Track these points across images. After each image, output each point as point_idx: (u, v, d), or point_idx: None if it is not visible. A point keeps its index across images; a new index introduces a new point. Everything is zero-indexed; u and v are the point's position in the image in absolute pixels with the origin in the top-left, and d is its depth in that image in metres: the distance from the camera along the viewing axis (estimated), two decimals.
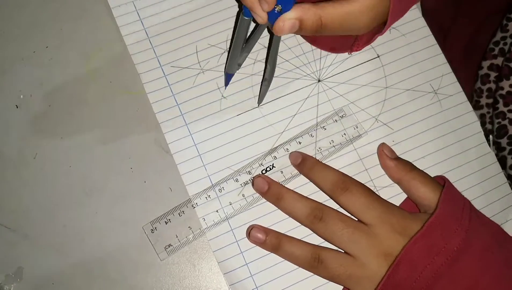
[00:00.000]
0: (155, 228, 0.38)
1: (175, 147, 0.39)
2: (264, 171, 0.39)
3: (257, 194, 0.38)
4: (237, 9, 0.42)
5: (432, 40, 0.42)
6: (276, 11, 0.32)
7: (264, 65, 0.41)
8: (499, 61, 0.43)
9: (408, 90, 0.41)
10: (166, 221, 0.38)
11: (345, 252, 0.35)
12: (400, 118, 0.40)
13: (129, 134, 0.40)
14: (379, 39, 0.41)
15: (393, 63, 0.42)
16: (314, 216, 0.36)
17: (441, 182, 0.37)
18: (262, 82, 0.40)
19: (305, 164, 0.38)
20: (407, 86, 0.41)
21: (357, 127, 0.40)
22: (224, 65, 0.41)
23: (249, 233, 0.37)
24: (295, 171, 0.39)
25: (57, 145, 0.40)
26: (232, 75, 0.40)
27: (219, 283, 0.38)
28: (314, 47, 0.42)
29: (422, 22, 0.43)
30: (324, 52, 0.42)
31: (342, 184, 0.36)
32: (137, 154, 0.40)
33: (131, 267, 0.38)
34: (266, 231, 0.37)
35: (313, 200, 0.37)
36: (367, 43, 0.40)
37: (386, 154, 0.38)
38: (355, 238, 0.34)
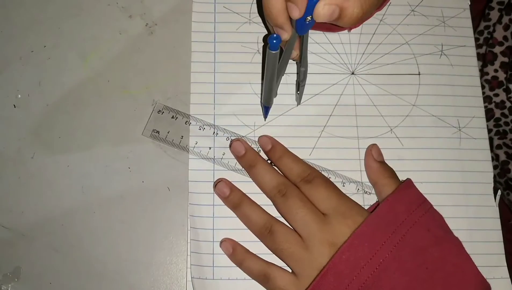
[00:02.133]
0: (162, 112, 0.40)
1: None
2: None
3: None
4: None
5: (477, 81, 0.42)
6: (306, 22, 0.31)
7: (296, 66, 0.41)
8: (484, 50, 0.44)
9: (433, 116, 0.41)
10: (174, 116, 0.40)
11: (297, 233, 0.36)
12: (414, 138, 0.40)
13: (127, 134, 0.40)
14: (427, 58, 0.42)
15: (430, 86, 0.41)
16: (278, 190, 0.36)
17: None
18: (297, 84, 0.40)
19: (275, 151, 0.39)
20: (435, 112, 0.41)
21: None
22: (260, 98, 0.41)
23: (215, 185, 0.38)
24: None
25: (55, 145, 0.40)
26: (270, 107, 0.40)
27: (217, 285, 0.38)
28: (346, 41, 0.43)
29: (472, 51, 0.42)
30: (361, 48, 0.42)
31: (306, 176, 0.37)
32: (135, 154, 0.40)
33: (129, 267, 0.38)
34: (232, 187, 0.38)
35: (283, 176, 0.38)
36: (368, 18, 0.40)
37: (372, 155, 0.39)
38: (307, 220, 0.35)
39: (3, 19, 0.42)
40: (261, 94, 0.40)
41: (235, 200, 0.38)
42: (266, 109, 0.40)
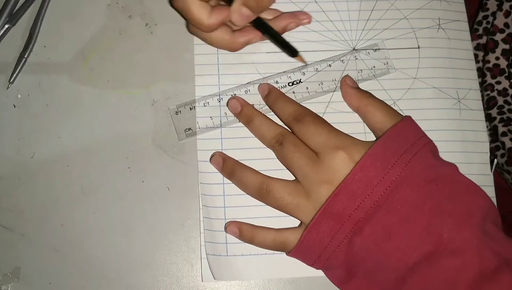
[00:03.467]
0: (180, 111, 0.40)
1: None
2: (290, 84, 0.41)
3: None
4: None
5: (471, 55, 0.43)
6: None
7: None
8: (484, 40, 0.44)
9: (434, 88, 0.41)
10: (191, 107, 0.41)
11: (296, 180, 0.36)
12: (417, 109, 0.41)
13: (126, 134, 0.40)
14: (425, 32, 0.43)
15: (430, 59, 0.42)
16: (276, 140, 0.37)
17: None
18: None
19: (270, 95, 0.39)
20: (435, 84, 0.41)
21: (387, 63, 0.41)
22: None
23: (210, 158, 0.39)
24: (320, 89, 0.41)
25: (54, 145, 0.40)
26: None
27: (217, 283, 0.38)
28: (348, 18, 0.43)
29: (465, 26, 0.43)
30: (361, 24, 0.43)
31: (297, 116, 0.37)
32: (134, 154, 0.40)
33: (129, 267, 0.38)
34: (224, 158, 0.39)
35: (280, 126, 0.38)
36: None
37: (348, 84, 0.39)
38: (301, 164, 0.35)
39: None
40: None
41: (228, 169, 0.38)
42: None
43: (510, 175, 0.42)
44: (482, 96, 0.44)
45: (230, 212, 0.38)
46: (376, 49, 0.42)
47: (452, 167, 0.36)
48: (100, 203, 0.39)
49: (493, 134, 0.43)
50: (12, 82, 0.40)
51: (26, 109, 0.40)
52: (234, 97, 0.40)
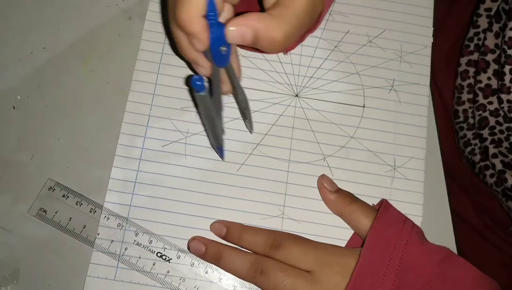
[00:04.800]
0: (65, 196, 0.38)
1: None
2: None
3: None
4: None
5: (424, 122, 0.40)
6: (222, 53, 0.29)
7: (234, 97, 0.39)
8: (475, 56, 0.44)
9: (370, 151, 0.40)
10: (65, 196, 0.38)
11: None
12: (346, 170, 0.39)
13: None
14: (375, 92, 0.41)
15: (372, 121, 0.40)
16: (254, 271, 0.35)
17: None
18: (242, 112, 0.39)
19: (232, 232, 0.37)
20: (372, 147, 0.40)
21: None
22: (209, 140, 0.39)
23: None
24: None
25: (54, 146, 0.40)
26: (223, 146, 0.38)
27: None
28: (291, 62, 0.41)
29: (425, 90, 0.41)
30: (310, 71, 0.41)
31: (274, 243, 0.35)
32: None
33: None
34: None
35: (252, 254, 0.36)
36: (300, 41, 0.39)
37: (326, 187, 0.38)
38: (297, 287, 0.34)
39: (3, 20, 0.42)
40: (208, 137, 0.39)
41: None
42: (219, 149, 0.38)
43: (499, 195, 0.42)
44: (474, 115, 0.43)
45: None
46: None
47: (443, 255, 0.34)
48: (99, 204, 0.39)
49: (483, 153, 0.43)
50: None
51: (26, 111, 0.40)
52: (194, 237, 0.37)
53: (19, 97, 0.41)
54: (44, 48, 0.42)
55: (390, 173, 0.39)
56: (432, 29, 0.43)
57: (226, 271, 0.36)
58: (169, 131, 0.39)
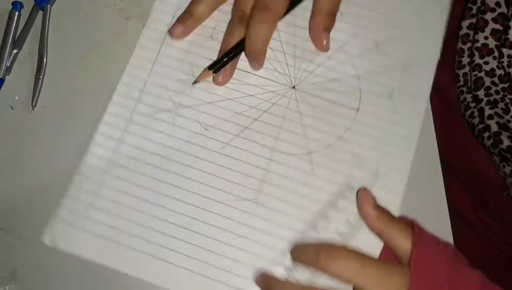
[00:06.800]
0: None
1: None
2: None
3: None
4: None
5: (414, 135, 0.40)
6: None
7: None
8: (475, 19, 0.43)
9: (353, 153, 0.39)
10: None
11: None
12: (327, 169, 0.39)
13: None
14: (372, 98, 0.40)
15: (363, 126, 0.40)
16: None
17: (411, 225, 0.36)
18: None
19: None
20: (357, 150, 0.39)
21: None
22: None
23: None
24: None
25: (52, 147, 0.40)
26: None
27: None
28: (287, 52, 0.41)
29: (421, 106, 0.40)
30: (304, 63, 0.41)
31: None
32: None
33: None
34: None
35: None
36: None
37: (368, 203, 0.36)
38: None
39: (1, 21, 0.42)
40: None
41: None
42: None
43: (497, 157, 0.41)
44: (470, 76, 0.42)
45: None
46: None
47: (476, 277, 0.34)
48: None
49: (480, 116, 0.42)
50: (35, 106, 0.40)
51: (24, 111, 0.40)
52: (261, 273, 0.36)
53: (16, 97, 0.41)
54: None
55: (371, 181, 0.38)
56: (441, 45, 0.42)
57: None
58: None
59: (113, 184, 0.38)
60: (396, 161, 0.39)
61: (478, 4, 0.43)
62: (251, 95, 0.40)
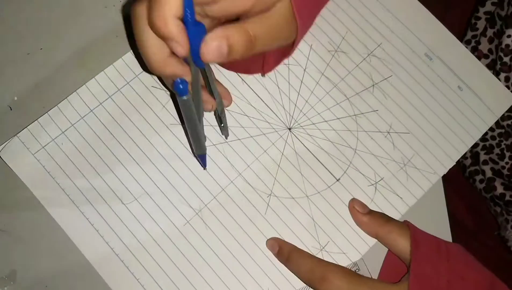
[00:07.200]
0: None
1: None
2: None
3: None
4: None
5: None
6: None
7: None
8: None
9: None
10: None
11: None
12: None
13: None
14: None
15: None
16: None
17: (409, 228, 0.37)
18: (217, 117, 0.38)
19: (282, 252, 0.37)
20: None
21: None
22: (191, 149, 0.38)
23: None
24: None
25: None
26: (205, 154, 0.37)
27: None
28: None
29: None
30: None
31: (318, 273, 0.35)
32: None
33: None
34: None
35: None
36: (276, 63, 0.39)
37: (357, 210, 0.37)
38: None
39: (0, 21, 0.42)
40: (190, 144, 0.38)
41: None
42: (201, 157, 0.37)
43: (486, 201, 0.42)
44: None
45: None
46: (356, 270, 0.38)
47: (480, 274, 0.35)
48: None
49: (474, 158, 0.43)
50: None
51: (22, 111, 0.40)
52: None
53: (16, 97, 0.41)
54: (41, 49, 0.42)
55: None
56: None
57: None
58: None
59: (84, 132, 0.39)
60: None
61: (473, 44, 0.45)
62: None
